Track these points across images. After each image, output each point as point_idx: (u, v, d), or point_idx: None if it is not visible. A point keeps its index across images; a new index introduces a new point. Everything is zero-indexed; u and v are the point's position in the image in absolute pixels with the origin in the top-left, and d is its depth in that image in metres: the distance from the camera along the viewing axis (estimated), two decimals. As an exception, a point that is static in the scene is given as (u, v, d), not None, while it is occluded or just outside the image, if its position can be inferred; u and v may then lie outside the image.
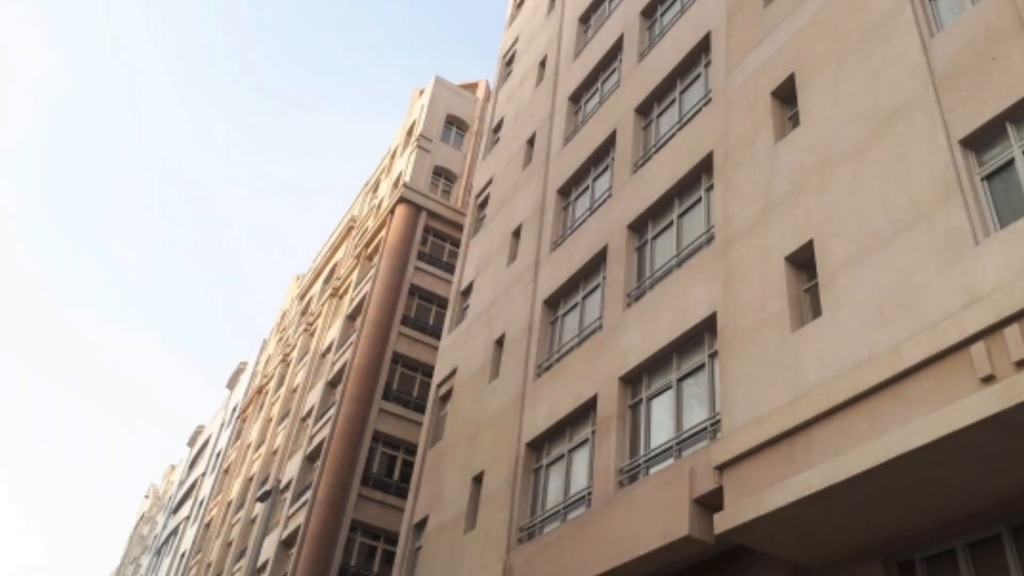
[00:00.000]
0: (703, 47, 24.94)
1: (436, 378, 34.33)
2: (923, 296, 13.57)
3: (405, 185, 51.94)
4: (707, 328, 19.41)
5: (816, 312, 16.03)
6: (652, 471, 19.40)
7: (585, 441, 22.63)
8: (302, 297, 69.61)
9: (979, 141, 14.44)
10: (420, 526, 30.16)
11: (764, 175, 18.73)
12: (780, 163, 18.39)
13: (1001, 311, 12.14)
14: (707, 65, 24.58)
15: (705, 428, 18.33)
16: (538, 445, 24.80)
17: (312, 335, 59.61)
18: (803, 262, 16.90)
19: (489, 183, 38.65)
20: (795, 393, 15.16)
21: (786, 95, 19.75)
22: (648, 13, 29.86)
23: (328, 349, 53.15)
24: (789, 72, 19.50)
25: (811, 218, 16.71)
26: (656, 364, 20.89)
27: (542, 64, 38.39)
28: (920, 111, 15.35)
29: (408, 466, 42.30)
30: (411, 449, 42.53)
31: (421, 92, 64.23)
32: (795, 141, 18.27)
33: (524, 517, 23.70)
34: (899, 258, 14.31)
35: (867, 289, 14.68)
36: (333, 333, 52.98)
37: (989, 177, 14.12)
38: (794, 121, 19.23)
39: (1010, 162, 13.99)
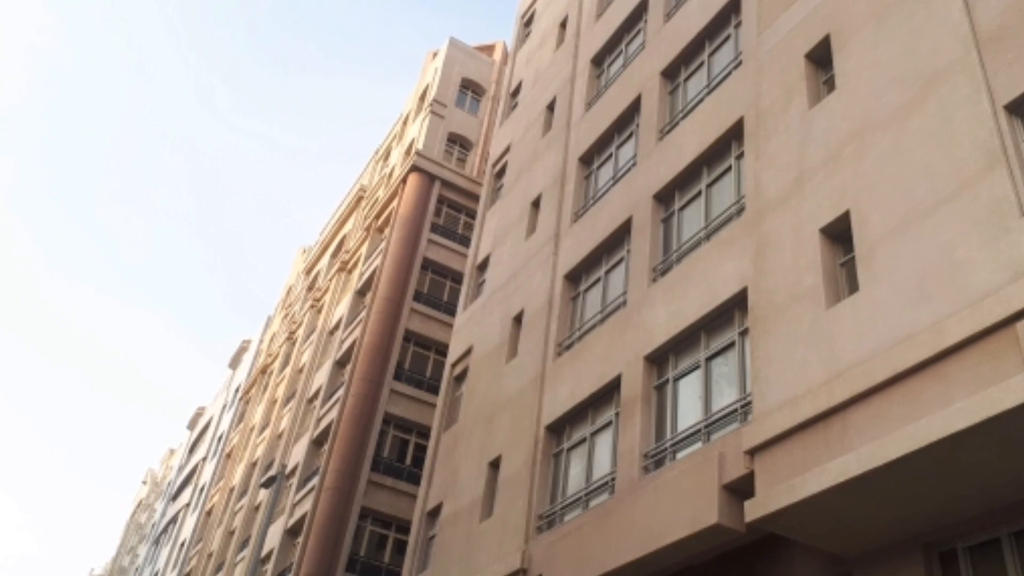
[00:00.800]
0: (733, 7, 24.89)
1: (451, 357, 34.54)
2: (966, 271, 13.59)
3: (418, 153, 52.04)
4: (737, 304, 19.47)
5: (853, 287, 16.05)
6: (679, 455, 19.52)
7: (608, 424, 22.76)
8: (309, 271, 69.84)
9: (1026, 104, 14.45)
10: (433, 514, 30.37)
11: (798, 143, 18.74)
12: (815, 130, 18.39)
13: (1049, 287, 12.18)
14: (737, 26, 24.56)
15: (735, 410, 18.41)
16: (558, 428, 24.95)
17: (319, 311, 59.86)
18: (839, 234, 16.92)
19: (507, 151, 38.72)
20: (830, 373, 15.22)
21: (821, 58, 19.72)
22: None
23: (336, 326, 53.37)
24: (824, 33, 19.45)
25: (848, 188, 16.72)
26: (683, 342, 20.96)
27: (563, 25, 38.36)
28: (963, 75, 15.32)
29: (421, 450, 42.51)
30: (424, 432, 42.72)
31: (435, 54, 64.24)
32: (831, 106, 18.26)
33: (544, 504, 23.86)
34: (941, 230, 14.32)
35: (907, 263, 14.70)
36: (341, 309, 53.19)
37: (1037, 144, 14.13)
38: (830, 85, 19.20)
39: (1059, 129, 14.03)
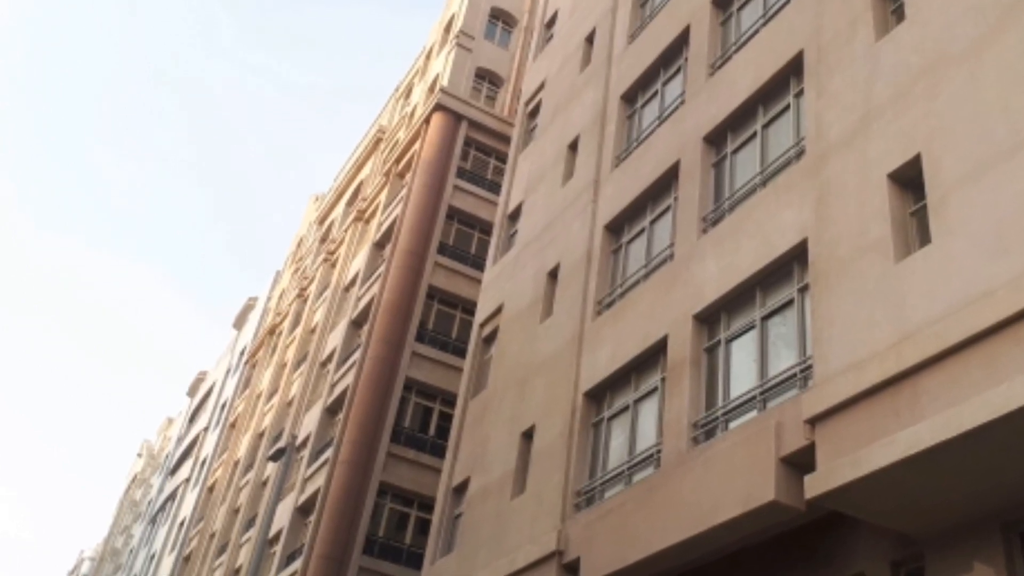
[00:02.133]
0: None
1: (479, 316, 34.92)
2: (1051, 221, 13.67)
3: (442, 90, 52.12)
4: (796, 258, 19.57)
5: (924, 239, 16.14)
6: (732, 425, 19.72)
7: (654, 390, 22.99)
8: (322, 221, 70.17)
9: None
10: (460, 490, 30.75)
11: (864, 79, 18.78)
12: (882, 65, 18.43)
13: None
14: None
15: (794, 375, 18.57)
16: (598, 395, 25.20)
17: (333, 266, 60.20)
18: (909, 180, 16.99)
19: (541, 87, 38.86)
20: (900, 334, 15.32)
21: None
22: None
23: (352, 282, 53.75)
24: None
25: (919, 129, 16.76)
26: (737, 300, 21.12)
27: None
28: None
29: (446, 419, 42.76)
30: (449, 399, 42.90)
31: (463, -21, 64.26)
32: (900, 39, 18.28)
33: (582, 479, 24.14)
34: (1021, 176, 14.37)
35: (984, 212, 14.77)
36: (358, 263, 53.55)
37: None
38: (898, 16, 19.24)
39: None
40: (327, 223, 68.52)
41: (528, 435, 27.46)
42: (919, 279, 15.50)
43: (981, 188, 15.00)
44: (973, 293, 14.31)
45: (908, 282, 15.68)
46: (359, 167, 64.56)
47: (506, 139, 50.33)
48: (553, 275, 30.20)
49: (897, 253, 16.29)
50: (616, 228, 27.89)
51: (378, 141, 62.58)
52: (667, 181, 25.97)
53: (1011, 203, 14.36)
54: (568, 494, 24.00)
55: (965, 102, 16.02)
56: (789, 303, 19.58)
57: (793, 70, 22.29)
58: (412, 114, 58.07)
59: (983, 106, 15.62)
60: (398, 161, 54.26)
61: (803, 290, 19.18)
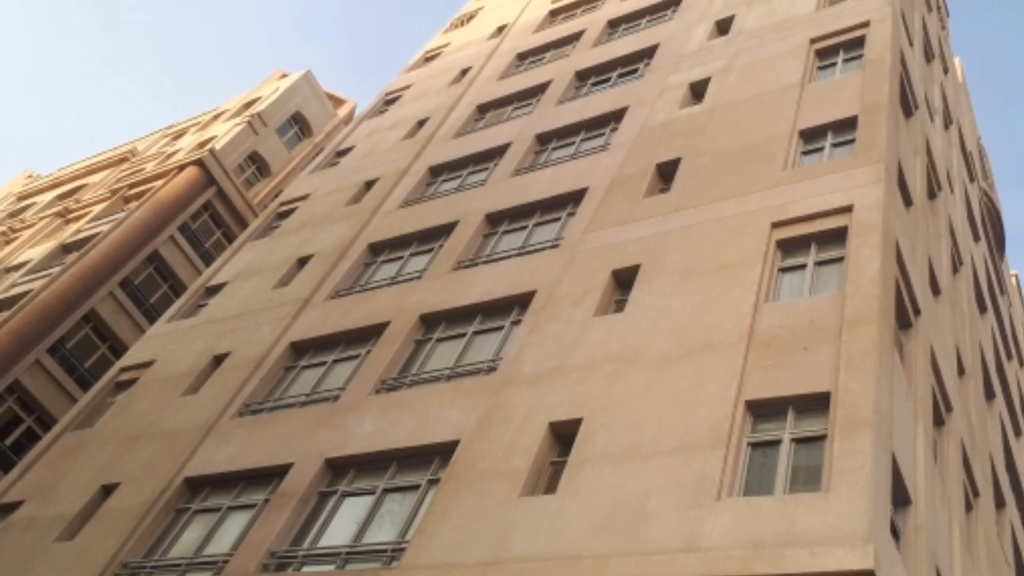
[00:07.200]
0: (576, 195, 28.89)
1: (126, 360, 35.15)
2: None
3: (212, 151, 53.56)
4: (442, 453, 21.41)
5: (551, 487, 18.59)
6: (305, 570, 20.91)
7: (252, 506, 23.84)
8: (24, 198, 69.10)
9: (761, 410, 17.78)
10: (7, 508, 29.76)
11: (571, 339, 21.98)
12: (589, 336, 21.74)
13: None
14: (570, 215, 28.25)
15: (384, 551, 19.92)
16: (198, 486, 25.76)
17: (7, 243, 59.07)
18: (564, 436, 19.72)
19: (303, 198, 40.90)
20: (493, 558, 17.46)
21: (626, 280, 23.44)
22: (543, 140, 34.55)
23: (18, 267, 52.97)
24: (637, 263, 23.40)
25: (590, 401, 19.81)
26: (372, 464, 22.68)
27: (420, 123, 42.09)
28: (725, 364, 18.73)
29: (30, 438, 42.30)
30: (45, 421, 42.90)
31: (283, 75, 67.07)
32: (612, 325, 21.73)
33: (138, 553, 24.47)
34: (643, 478, 17.19)
35: (603, 491, 17.32)
36: (34, 254, 53.24)
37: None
38: (620, 307, 22.73)
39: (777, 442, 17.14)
40: (27, 203, 67.53)
41: (108, 490, 27.33)
42: (530, 519, 17.67)
43: (611, 472, 17.62)
44: (567, 551, 16.47)
45: (519, 517, 17.86)
46: (92, 171, 64.31)
47: (243, 222, 51.87)
48: (219, 360, 30.92)
49: (525, 489, 18.56)
50: (301, 349, 29.24)
51: (124, 160, 62.86)
52: (368, 335, 27.71)
53: (626, 495, 16.96)
54: (114, 564, 24.11)
55: (634, 400, 19.03)
56: (415, 487, 21.10)
57: (521, 302, 25.09)
58: (172, 155, 58.83)
59: (646, 410, 18.59)
60: (134, 186, 54.84)
61: (433, 482, 20.82)
